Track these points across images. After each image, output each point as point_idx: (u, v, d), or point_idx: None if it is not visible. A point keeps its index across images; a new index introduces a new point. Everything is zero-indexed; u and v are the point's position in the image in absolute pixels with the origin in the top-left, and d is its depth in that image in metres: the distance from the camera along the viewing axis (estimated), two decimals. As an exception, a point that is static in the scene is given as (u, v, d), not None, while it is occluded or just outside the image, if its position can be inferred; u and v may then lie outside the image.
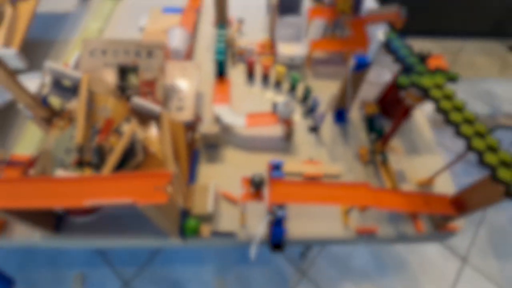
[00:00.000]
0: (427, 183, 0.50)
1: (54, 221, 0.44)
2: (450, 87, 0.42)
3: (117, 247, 0.47)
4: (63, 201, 0.28)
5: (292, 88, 0.60)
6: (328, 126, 0.56)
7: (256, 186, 0.37)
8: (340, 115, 0.50)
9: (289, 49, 0.62)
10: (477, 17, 1.74)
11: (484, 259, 1.13)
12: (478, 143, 0.36)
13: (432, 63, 0.48)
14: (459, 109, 0.39)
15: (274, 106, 0.51)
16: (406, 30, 1.93)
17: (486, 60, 1.76)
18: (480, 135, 0.37)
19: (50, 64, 0.38)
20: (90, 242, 0.46)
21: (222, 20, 0.67)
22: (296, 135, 0.55)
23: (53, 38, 0.68)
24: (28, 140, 0.49)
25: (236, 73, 0.64)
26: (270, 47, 0.64)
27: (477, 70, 1.70)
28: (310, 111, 0.56)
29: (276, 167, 0.43)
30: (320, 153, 0.53)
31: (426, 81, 0.41)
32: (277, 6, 0.61)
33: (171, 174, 0.29)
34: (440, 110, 0.39)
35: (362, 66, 0.47)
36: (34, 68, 0.57)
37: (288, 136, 0.54)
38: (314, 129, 0.56)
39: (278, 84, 0.62)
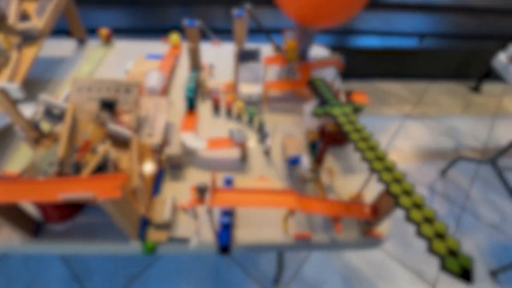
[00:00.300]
0: (357, 198, 0.59)
1: (33, 227, 0.51)
2: (359, 119, 0.52)
3: (87, 253, 0.54)
4: (41, 195, 0.37)
5: (250, 121, 0.72)
6: (278, 151, 0.66)
7: (201, 192, 0.46)
8: (294, 162, 0.60)
9: (248, 89, 0.74)
10: (440, 62, 1.95)
11: (453, 286, 1.17)
12: (377, 165, 0.45)
13: (355, 98, 0.59)
14: (365, 139, 0.49)
15: (230, 133, 0.62)
16: (374, 73, 2.17)
17: (450, 99, 1.93)
18: (380, 158, 0.46)
19: (43, 96, 0.49)
20: (65, 248, 0.53)
21: (195, 66, 0.80)
22: (251, 158, 0.65)
23: (50, 78, 0.80)
24: (20, 159, 0.59)
25: (205, 108, 0.75)
26: (234, 87, 0.77)
27: (441, 109, 1.86)
28: (263, 138, 0.67)
29: (227, 182, 0.53)
30: (270, 172, 0.63)
31: (335, 110, 0.52)
32: (238, 55, 0.75)
33: (124, 176, 0.38)
34: (346, 132, 0.49)
35: (295, 162, 0.58)
36: (31, 100, 0.68)
37: (243, 157, 0.64)
38: (267, 153, 0.66)
39: (239, 117, 0.73)
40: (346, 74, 1.98)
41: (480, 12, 1.96)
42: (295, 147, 0.61)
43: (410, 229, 1.31)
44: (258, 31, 0.82)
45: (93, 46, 0.91)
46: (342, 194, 0.60)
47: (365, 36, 1.86)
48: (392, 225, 1.31)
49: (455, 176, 1.50)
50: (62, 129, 0.50)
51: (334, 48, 1.83)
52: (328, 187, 0.57)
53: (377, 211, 0.50)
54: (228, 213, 0.53)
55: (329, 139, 0.56)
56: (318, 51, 0.94)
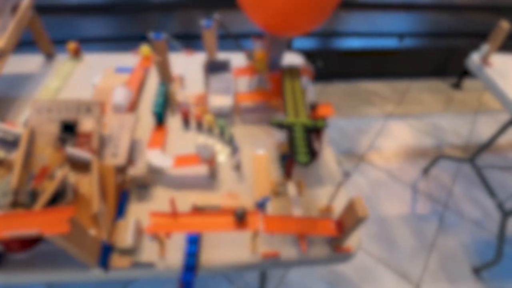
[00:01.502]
0: (327, 210, 0.58)
1: (-8, 258, 0.49)
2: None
3: (53, 280, 0.53)
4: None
5: (222, 133, 0.71)
6: (250, 164, 0.66)
7: (239, 217, 0.45)
8: (261, 205, 0.57)
9: (219, 101, 0.73)
10: (421, 60, 1.97)
11: (437, 284, 1.18)
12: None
13: (320, 110, 0.59)
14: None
15: (197, 148, 0.61)
16: (356, 73, 2.18)
17: (432, 97, 1.95)
18: None
19: (-6, 124, 0.47)
20: (28, 277, 0.51)
21: (164, 79, 0.79)
22: (221, 173, 0.64)
23: (16, 96, 0.77)
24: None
25: (174, 121, 0.74)
26: (204, 99, 0.76)
27: (423, 107, 1.88)
28: (233, 152, 0.66)
29: (261, 205, 0.53)
30: (240, 188, 0.62)
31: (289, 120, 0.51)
32: (207, 66, 0.74)
33: (72, 209, 0.37)
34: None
35: (261, 206, 0.57)
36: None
37: (212, 174, 0.63)
38: (237, 167, 0.65)
39: (210, 130, 0.72)
40: (329, 75, 1.99)
41: (458, 9, 1.99)
42: (263, 188, 0.60)
43: (395, 230, 1.32)
44: (228, 37, 0.81)
45: (62, 60, 0.89)
46: (311, 206, 0.59)
47: (346, 38, 1.87)
48: (376, 226, 1.32)
49: (437, 174, 1.52)
50: (16, 156, 0.48)
51: (315, 51, 1.83)
52: (296, 201, 0.56)
53: (343, 227, 0.50)
54: (194, 240, 0.52)
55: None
56: (291, 59, 0.93)
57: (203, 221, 0.45)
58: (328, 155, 0.69)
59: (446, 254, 1.26)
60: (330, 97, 1.91)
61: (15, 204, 0.46)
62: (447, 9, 2.00)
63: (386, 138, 1.69)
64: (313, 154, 0.66)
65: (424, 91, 1.99)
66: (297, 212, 0.53)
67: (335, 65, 1.94)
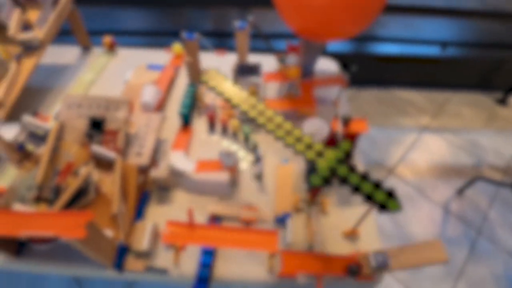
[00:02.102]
0: (351, 234, 0.55)
1: (16, 247, 0.51)
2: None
3: (68, 274, 0.53)
4: (4, 230, 0.36)
5: (246, 140, 0.68)
6: (273, 175, 0.63)
7: (352, 274, 0.44)
8: (281, 220, 0.55)
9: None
10: (464, 70, 1.83)
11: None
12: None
13: (353, 126, 0.55)
14: None
15: (220, 155, 0.59)
16: (392, 80, 2.06)
17: (473, 111, 1.82)
18: None
19: (26, 118, 0.48)
20: (46, 269, 0.52)
21: (194, 79, 0.78)
22: (242, 182, 0.62)
23: (52, 87, 0.80)
24: (9, 175, 0.58)
25: (200, 124, 0.73)
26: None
27: (463, 121, 1.75)
28: (256, 161, 0.63)
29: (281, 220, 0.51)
30: (261, 199, 0.60)
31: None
32: (236, 69, 0.72)
33: (89, 214, 0.36)
34: None
35: (281, 221, 0.55)
36: (31, 111, 0.68)
37: (233, 182, 0.61)
38: (259, 177, 0.63)
39: (235, 135, 0.70)
40: (363, 81, 1.90)
41: (510, 17, 1.82)
42: (284, 202, 0.57)
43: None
44: (261, 38, 0.78)
45: (97, 53, 0.91)
46: (336, 228, 0.56)
47: (384, 42, 1.78)
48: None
49: (473, 196, 1.41)
50: (44, 151, 0.49)
51: (350, 55, 1.76)
52: (320, 222, 0.53)
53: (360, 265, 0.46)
54: (209, 252, 0.50)
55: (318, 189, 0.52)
56: (325, 65, 0.89)
57: (220, 235, 0.44)
58: (359, 168, 0.65)
59: (474, 283, 1.16)
60: (362, 104, 1.83)
61: (38, 199, 0.46)
62: (497, 17, 1.84)
63: (420, 152, 1.59)
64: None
65: (465, 105, 1.85)
66: (311, 238, 0.50)
67: (370, 70, 1.85)
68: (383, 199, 0.43)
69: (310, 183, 0.46)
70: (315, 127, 0.64)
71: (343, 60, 1.80)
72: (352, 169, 0.46)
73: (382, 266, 0.44)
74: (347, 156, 0.48)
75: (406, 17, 1.81)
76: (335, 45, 1.73)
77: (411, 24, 1.81)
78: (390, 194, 0.44)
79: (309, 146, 0.49)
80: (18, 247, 0.51)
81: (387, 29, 1.83)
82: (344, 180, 0.45)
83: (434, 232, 1.30)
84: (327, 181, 0.45)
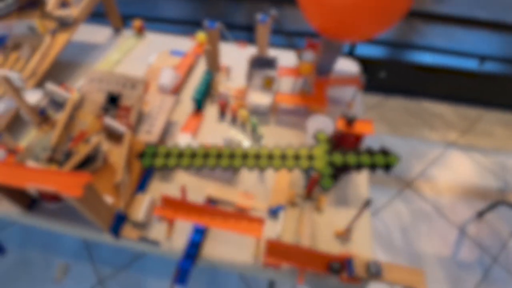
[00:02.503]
0: (343, 235, 0.54)
1: (28, 201, 0.55)
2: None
3: (73, 234, 0.57)
4: (13, 180, 0.40)
5: (253, 130, 0.70)
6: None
7: (334, 271, 0.46)
8: (274, 212, 0.56)
9: (258, 98, 0.72)
10: (502, 88, 1.72)
11: None
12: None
13: (358, 126, 0.54)
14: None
15: (225, 141, 0.61)
16: (422, 91, 1.98)
17: (506, 132, 1.71)
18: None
19: (49, 85, 0.53)
20: (53, 226, 0.56)
21: (211, 67, 0.80)
22: (244, 171, 0.64)
23: (81, 62, 0.85)
24: (31, 137, 0.64)
25: (212, 110, 0.75)
26: (244, 93, 0.75)
27: (494, 141, 1.65)
28: (260, 151, 0.64)
29: (274, 212, 0.54)
30: (259, 189, 0.60)
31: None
32: (251, 61, 0.73)
33: (89, 176, 0.39)
34: None
35: (274, 213, 0.56)
36: (57, 82, 0.74)
37: (234, 169, 0.63)
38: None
39: (243, 125, 0.72)
40: (391, 88, 1.84)
41: None
42: (280, 195, 0.57)
43: (429, 271, 1.19)
44: (282, 34, 0.79)
45: (126, 35, 0.96)
46: (329, 227, 0.56)
47: (418, 51, 1.71)
48: (407, 262, 1.20)
49: (494, 221, 1.33)
50: (61, 117, 0.53)
51: (380, 60, 1.71)
52: (313, 219, 0.53)
53: (350, 264, 0.45)
54: (200, 231, 0.52)
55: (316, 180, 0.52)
56: (346, 66, 0.88)
57: (209, 215, 0.45)
58: (361, 175, 0.64)
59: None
60: (387, 112, 1.78)
61: (51, 160, 0.50)
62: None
63: (442, 169, 1.52)
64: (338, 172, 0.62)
65: (498, 124, 1.74)
66: (302, 234, 0.50)
67: (401, 78, 1.79)
68: (383, 161, 0.49)
69: (324, 188, 0.48)
70: (319, 124, 0.64)
71: (373, 65, 1.76)
72: (344, 153, 0.50)
73: (376, 275, 0.44)
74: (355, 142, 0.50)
75: (446, 26, 1.73)
76: (365, 48, 1.69)
77: (450, 35, 1.73)
78: (385, 153, 0.50)
79: (296, 157, 0.51)
80: (30, 203, 0.56)
81: (424, 38, 1.76)
82: (344, 167, 0.49)
83: (445, 253, 1.24)
84: (335, 177, 0.49)
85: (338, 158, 0.50)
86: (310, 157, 0.51)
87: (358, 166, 0.50)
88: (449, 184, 1.46)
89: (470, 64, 1.63)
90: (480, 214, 1.33)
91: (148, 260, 1.15)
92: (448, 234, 1.30)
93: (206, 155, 0.52)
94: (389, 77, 1.76)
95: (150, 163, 0.51)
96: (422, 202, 1.40)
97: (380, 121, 1.74)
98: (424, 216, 1.35)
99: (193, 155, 0.52)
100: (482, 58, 1.60)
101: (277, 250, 0.46)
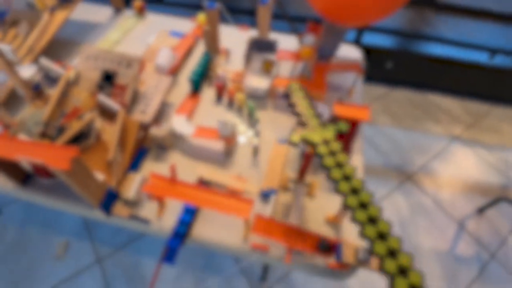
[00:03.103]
0: (334, 221, 0.54)
1: (23, 176, 0.56)
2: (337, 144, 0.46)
3: (64, 209, 0.58)
4: (3, 152, 0.40)
5: (250, 115, 0.69)
6: (268, 151, 0.63)
7: (323, 248, 0.45)
8: (266, 195, 0.56)
9: (256, 82, 0.71)
10: (510, 82, 1.68)
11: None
12: (351, 201, 0.40)
13: (354, 112, 0.53)
14: (348, 177, 0.42)
15: (218, 124, 0.60)
16: (429, 83, 1.95)
17: (514, 129, 1.67)
18: (355, 191, 0.40)
19: (43, 60, 0.52)
20: (47, 201, 0.57)
21: (210, 49, 0.79)
22: (238, 154, 0.63)
23: (80, 41, 0.85)
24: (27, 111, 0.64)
25: (209, 93, 0.74)
26: (242, 76, 0.74)
27: (500, 137, 1.62)
28: (254, 136, 0.64)
29: (266, 195, 0.55)
30: (251, 173, 0.60)
31: (314, 136, 0.46)
32: (250, 43, 0.71)
33: (75, 150, 0.39)
34: (323, 166, 0.43)
35: (266, 196, 0.55)
36: (55, 59, 0.74)
37: (227, 152, 0.62)
38: (254, 152, 0.63)
39: (240, 109, 0.71)
40: (397, 80, 1.81)
41: None
42: (273, 179, 0.57)
43: (425, 264, 1.19)
44: (282, 18, 0.77)
45: (127, 15, 0.95)
46: (319, 213, 0.55)
47: (428, 42, 1.67)
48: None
49: (494, 217, 1.31)
50: (54, 92, 0.52)
51: (388, 50, 1.67)
52: (298, 206, 0.53)
53: (337, 249, 0.45)
54: (190, 211, 0.52)
55: (310, 157, 0.51)
56: (349, 52, 0.86)
57: (198, 194, 0.45)
58: (355, 163, 0.63)
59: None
60: (391, 103, 1.75)
61: (43, 135, 0.50)
62: None
63: (444, 163, 1.50)
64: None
65: (506, 120, 1.70)
66: (293, 219, 0.50)
67: (407, 69, 1.75)
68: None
69: (290, 140, 0.45)
70: (320, 113, 0.63)
71: (380, 55, 1.72)
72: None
73: (364, 261, 0.43)
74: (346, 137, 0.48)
75: (457, 18, 1.68)
76: (373, 37, 1.65)
77: (461, 26, 1.68)
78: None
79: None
80: (25, 178, 0.56)
81: (434, 29, 1.72)
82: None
83: (443, 247, 1.23)
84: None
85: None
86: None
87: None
88: (451, 179, 1.45)
89: (480, 57, 1.58)
90: (481, 210, 1.32)
91: (145, 241, 1.17)
92: (446, 229, 1.29)
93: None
94: (395, 68, 1.72)
95: None
96: (422, 196, 1.39)
97: (384, 113, 1.71)
98: (423, 210, 1.34)
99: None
100: (493, 52, 1.55)
101: (265, 224, 0.45)
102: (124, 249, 1.14)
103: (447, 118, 1.69)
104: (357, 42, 1.63)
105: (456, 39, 1.62)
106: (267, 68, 0.71)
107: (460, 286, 1.14)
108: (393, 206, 1.35)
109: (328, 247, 0.45)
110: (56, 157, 0.39)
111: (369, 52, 1.60)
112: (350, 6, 0.62)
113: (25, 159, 0.39)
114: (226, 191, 0.57)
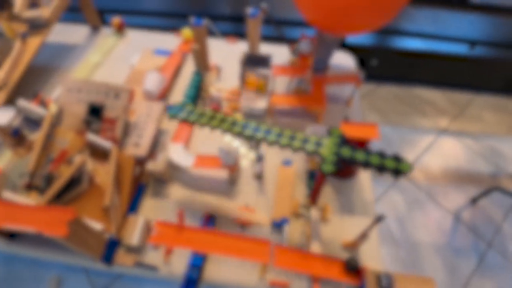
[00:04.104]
0: (351, 246, 0.52)
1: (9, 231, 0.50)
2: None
3: (60, 261, 0.53)
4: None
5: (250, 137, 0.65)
6: (273, 176, 0.60)
7: (351, 268, 0.43)
8: (278, 225, 0.53)
9: (252, 101, 0.67)
10: (492, 72, 1.72)
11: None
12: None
13: (362, 131, 0.51)
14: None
15: (219, 151, 0.56)
16: (413, 78, 1.95)
17: (496, 116, 1.72)
18: None
19: (21, 102, 0.47)
20: (38, 253, 0.52)
21: (200, 68, 0.74)
22: (242, 180, 0.60)
23: (58, 66, 0.78)
24: (7, 156, 0.58)
25: (204, 115, 0.70)
26: (238, 95, 0.71)
27: (484, 126, 1.66)
28: (258, 160, 0.61)
29: (277, 225, 0.51)
30: (259, 200, 0.57)
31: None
32: (244, 60, 0.68)
33: (73, 211, 0.34)
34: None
35: (278, 226, 0.53)
36: (34, 92, 0.68)
37: (232, 181, 0.59)
38: (259, 177, 0.60)
39: (239, 130, 0.67)
40: (382, 76, 1.82)
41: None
42: (283, 206, 0.54)
43: (425, 258, 1.21)
44: (274, 26, 0.74)
45: (105, 34, 0.89)
46: (335, 237, 0.53)
47: (408, 37, 1.68)
48: (404, 251, 1.21)
49: (487, 206, 1.34)
50: (37, 137, 0.47)
51: (370, 48, 1.68)
52: (317, 233, 0.50)
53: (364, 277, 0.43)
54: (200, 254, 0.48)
55: (323, 177, 0.49)
56: (342, 59, 0.84)
57: (210, 240, 0.42)
58: (364, 180, 0.61)
59: (480, 297, 1.12)
60: (378, 100, 1.76)
61: (29, 187, 0.45)
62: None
63: (435, 155, 1.53)
64: (346, 171, 0.59)
65: (488, 109, 1.75)
66: (315, 247, 0.47)
67: (391, 66, 1.76)
68: (394, 165, 0.45)
69: (324, 171, 0.44)
70: (318, 134, 0.60)
71: (363, 53, 1.72)
72: (354, 148, 0.47)
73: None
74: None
75: (435, 10, 1.70)
76: (355, 37, 1.65)
77: (439, 19, 1.70)
78: (398, 159, 0.46)
79: (305, 141, 0.48)
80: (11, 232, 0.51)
81: (412, 23, 1.73)
82: (351, 161, 0.45)
83: (441, 240, 1.25)
84: (337, 165, 0.45)
85: (346, 151, 0.46)
86: (318, 144, 0.47)
87: (366, 164, 0.46)
88: (442, 171, 1.47)
89: (460, 49, 1.61)
90: (474, 200, 1.35)
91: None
92: (443, 221, 1.31)
93: (222, 121, 0.51)
94: (379, 64, 1.73)
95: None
96: (416, 190, 1.40)
97: (371, 110, 1.72)
98: (419, 204, 1.36)
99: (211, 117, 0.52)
100: (473, 43, 1.58)
101: (286, 256, 0.43)
102: (122, 278, 1.09)
103: (433, 111, 1.72)
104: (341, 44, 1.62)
105: (437, 32, 1.64)
106: (261, 89, 0.68)
107: (461, 278, 1.16)
108: (390, 204, 1.36)
109: (356, 267, 0.43)
110: (51, 222, 0.35)
111: (353, 51, 1.60)
112: (342, 16, 0.60)
113: (15, 227, 0.34)
114: (236, 225, 0.53)
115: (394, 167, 0.45)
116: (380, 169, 0.45)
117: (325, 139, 0.48)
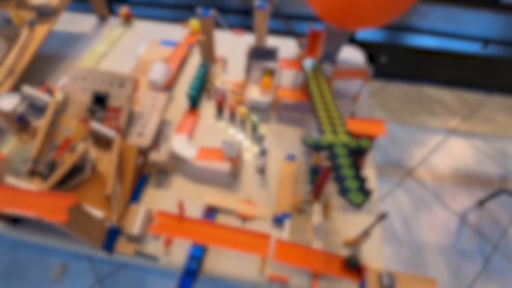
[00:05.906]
0: (353, 243, 0.51)
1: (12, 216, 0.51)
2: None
3: (62, 247, 0.53)
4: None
5: (253, 129, 0.65)
6: (276, 169, 0.60)
7: (351, 265, 0.42)
8: (279, 220, 0.53)
9: (257, 94, 0.67)
10: (505, 72, 1.68)
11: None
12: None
13: (369, 127, 0.50)
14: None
15: (223, 144, 0.56)
16: (423, 76, 1.92)
17: (508, 117, 1.68)
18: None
19: (26, 88, 0.47)
20: (40, 239, 0.52)
21: (206, 59, 0.74)
22: (244, 174, 0.59)
23: (66, 55, 0.79)
24: (11, 142, 0.58)
25: (208, 107, 0.70)
26: (243, 87, 0.70)
27: (496, 127, 1.62)
28: (261, 154, 0.60)
29: (279, 220, 0.51)
30: (261, 194, 0.57)
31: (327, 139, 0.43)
32: (250, 52, 0.67)
33: (73, 197, 0.34)
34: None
35: (279, 221, 0.52)
36: (40, 80, 0.68)
37: (234, 173, 0.59)
38: (261, 171, 0.59)
39: (243, 123, 0.67)
40: (392, 73, 1.79)
41: None
42: (285, 201, 0.54)
43: (430, 260, 1.19)
44: (282, 19, 0.73)
45: (113, 24, 0.89)
46: (337, 234, 0.52)
47: (420, 34, 1.64)
48: (408, 251, 1.20)
49: (495, 209, 1.32)
50: (41, 124, 0.47)
51: (380, 44, 1.65)
52: (319, 230, 0.49)
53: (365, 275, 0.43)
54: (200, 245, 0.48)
55: (327, 173, 0.48)
56: (350, 54, 0.82)
57: (210, 232, 0.41)
58: (369, 178, 0.60)
59: (484, 300, 1.11)
60: (387, 98, 1.73)
61: (32, 173, 0.46)
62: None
63: (443, 156, 1.50)
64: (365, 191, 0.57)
65: (501, 110, 1.70)
66: (317, 243, 0.46)
67: (401, 63, 1.73)
68: (352, 187, 0.41)
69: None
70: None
71: (373, 49, 1.69)
72: (353, 162, 0.45)
73: (390, 287, 0.41)
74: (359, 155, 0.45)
75: (448, 8, 1.66)
76: (365, 32, 1.62)
77: (453, 16, 1.66)
78: (366, 192, 0.41)
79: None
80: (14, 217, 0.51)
81: (425, 20, 1.69)
82: (332, 156, 0.45)
83: (446, 241, 1.23)
84: (316, 148, 0.46)
85: (341, 151, 0.46)
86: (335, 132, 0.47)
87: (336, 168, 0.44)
88: (450, 172, 1.45)
89: (473, 48, 1.57)
90: (481, 203, 1.32)
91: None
92: (448, 223, 1.29)
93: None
94: (389, 61, 1.70)
95: None
96: (423, 190, 1.38)
97: (380, 108, 1.69)
98: (425, 204, 1.34)
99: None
100: (486, 41, 1.54)
101: (286, 251, 0.42)
102: (126, 267, 1.10)
103: (443, 111, 1.68)
104: (351, 39, 1.59)
105: (449, 30, 1.60)
106: (267, 85, 0.67)
107: (465, 280, 1.15)
108: (395, 203, 1.34)
109: (357, 264, 0.42)
110: (51, 207, 0.35)
111: (363, 47, 1.57)
112: (352, 9, 0.59)
113: (16, 212, 0.35)
114: (237, 219, 0.53)
115: (349, 188, 0.42)
116: (339, 178, 0.43)
117: (344, 135, 0.47)
